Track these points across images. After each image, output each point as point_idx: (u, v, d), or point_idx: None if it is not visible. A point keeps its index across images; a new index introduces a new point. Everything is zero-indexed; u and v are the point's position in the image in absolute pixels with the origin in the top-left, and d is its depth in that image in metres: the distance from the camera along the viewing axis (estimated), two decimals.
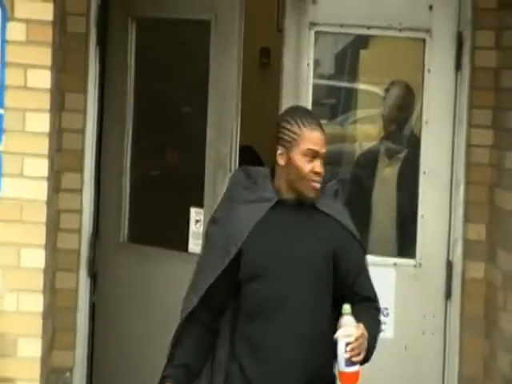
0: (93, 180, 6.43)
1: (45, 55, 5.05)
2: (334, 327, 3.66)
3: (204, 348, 3.93)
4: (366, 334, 3.71)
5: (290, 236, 3.94)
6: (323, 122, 6.14)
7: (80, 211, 6.35)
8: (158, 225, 6.79)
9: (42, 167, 4.96)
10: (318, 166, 3.84)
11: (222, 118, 6.32)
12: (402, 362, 6.00)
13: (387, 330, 5.77)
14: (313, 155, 3.82)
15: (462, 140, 6.18)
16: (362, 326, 3.69)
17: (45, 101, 5.06)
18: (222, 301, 3.94)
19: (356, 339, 3.55)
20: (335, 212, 4.08)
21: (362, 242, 4.24)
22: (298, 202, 3.96)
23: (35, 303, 5.06)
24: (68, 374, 6.16)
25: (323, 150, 3.84)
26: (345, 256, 4.03)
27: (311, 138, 3.86)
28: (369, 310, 4.02)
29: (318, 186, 3.88)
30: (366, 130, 7.60)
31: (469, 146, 6.15)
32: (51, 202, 5.28)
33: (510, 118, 5.78)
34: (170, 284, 6.28)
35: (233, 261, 3.76)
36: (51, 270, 5.50)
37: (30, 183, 4.95)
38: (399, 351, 5.94)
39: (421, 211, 6.11)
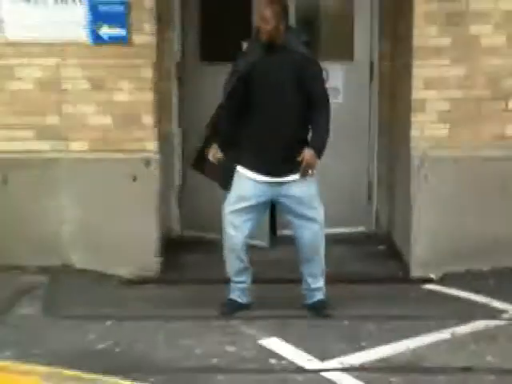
0: None
1: None
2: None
3: (236, 127, 6.81)
4: (309, 156, 6.65)
5: (272, 66, 6.68)
6: None
7: None
8: None
9: None
10: (261, 15, 6.56)
11: None
12: None
13: None
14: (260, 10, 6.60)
15: None
16: (307, 153, 6.64)
17: None
18: (241, 101, 6.73)
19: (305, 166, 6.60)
20: (296, 48, 6.71)
21: (317, 63, 6.84)
22: (270, 44, 6.65)
23: None
24: None
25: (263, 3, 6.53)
26: (305, 76, 6.73)
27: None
28: (318, 121, 6.80)
29: (265, 28, 6.57)
30: None
31: None
32: None
33: None
34: None
35: (244, 79, 6.62)
36: None
37: None
38: None
39: None
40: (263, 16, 6.63)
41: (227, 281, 7.20)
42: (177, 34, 9.10)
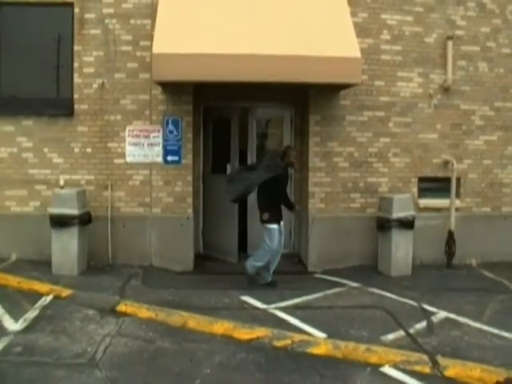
0: None
1: None
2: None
3: None
4: None
5: (285, 174, 7.39)
6: None
7: None
8: None
9: None
10: (295, 156, 7.44)
11: None
12: None
13: None
14: None
15: None
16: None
17: None
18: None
19: None
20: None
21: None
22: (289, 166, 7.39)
23: None
24: None
25: None
26: None
27: None
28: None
29: (294, 161, 7.44)
30: None
31: None
32: None
33: None
34: None
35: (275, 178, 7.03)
36: None
37: None
38: None
39: None
40: (295, 156, 7.60)
41: (225, 273, 7.94)
42: (201, 159, 9.28)
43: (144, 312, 6.37)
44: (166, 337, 5.77)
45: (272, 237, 7.20)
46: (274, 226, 7.22)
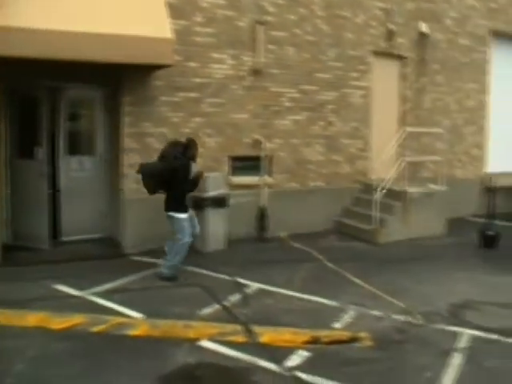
0: None
1: None
2: None
3: None
4: None
5: None
6: None
7: None
8: None
9: None
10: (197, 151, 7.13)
11: None
12: None
13: None
14: None
15: None
16: None
17: None
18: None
19: None
20: None
21: None
22: None
23: None
24: None
25: None
26: None
27: None
28: None
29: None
30: None
31: None
32: None
33: None
34: None
35: None
36: None
37: None
38: None
39: None
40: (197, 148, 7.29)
41: (37, 262, 7.63)
42: (6, 143, 8.67)
43: None
44: None
45: (182, 227, 7.05)
46: (182, 216, 7.06)
